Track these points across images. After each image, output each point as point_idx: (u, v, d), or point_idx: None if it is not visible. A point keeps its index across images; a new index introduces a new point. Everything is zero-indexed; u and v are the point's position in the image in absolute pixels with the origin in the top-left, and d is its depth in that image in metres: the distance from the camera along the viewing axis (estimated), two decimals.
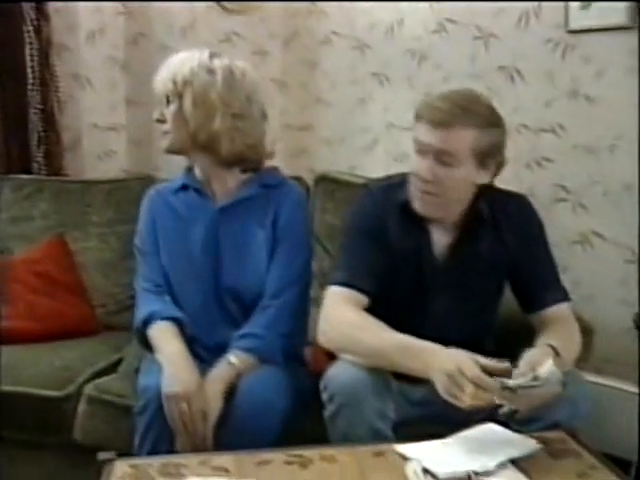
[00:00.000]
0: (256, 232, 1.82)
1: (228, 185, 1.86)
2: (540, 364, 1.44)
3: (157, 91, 1.82)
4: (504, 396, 1.40)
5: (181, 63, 1.79)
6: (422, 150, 1.61)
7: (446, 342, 1.53)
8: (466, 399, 1.36)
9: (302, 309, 1.87)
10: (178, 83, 1.77)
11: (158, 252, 1.87)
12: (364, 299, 1.64)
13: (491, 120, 1.61)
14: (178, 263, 1.85)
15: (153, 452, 1.61)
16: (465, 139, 1.58)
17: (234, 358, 1.69)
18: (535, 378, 1.40)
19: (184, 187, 1.90)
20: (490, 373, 1.40)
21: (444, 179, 1.60)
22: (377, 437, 1.51)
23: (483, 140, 1.59)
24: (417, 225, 1.70)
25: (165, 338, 1.75)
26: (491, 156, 1.62)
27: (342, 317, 1.60)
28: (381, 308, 1.63)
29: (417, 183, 1.64)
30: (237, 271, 1.81)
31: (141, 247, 1.91)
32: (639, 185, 2.22)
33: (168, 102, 1.80)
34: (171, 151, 1.85)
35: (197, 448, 1.60)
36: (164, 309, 1.79)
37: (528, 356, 1.49)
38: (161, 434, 1.61)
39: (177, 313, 1.79)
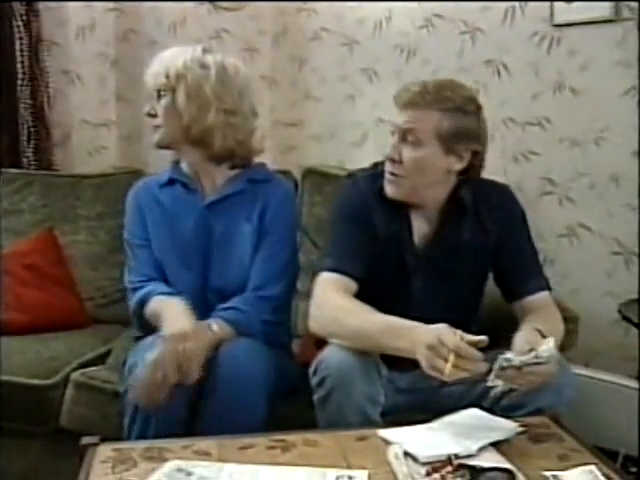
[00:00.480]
0: (243, 227, 1.82)
1: (216, 181, 1.86)
2: (538, 343, 1.45)
3: (148, 85, 1.82)
4: (506, 375, 1.40)
5: (174, 57, 1.79)
6: (393, 132, 1.67)
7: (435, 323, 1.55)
8: (447, 370, 1.36)
9: (286, 304, 1.87)
10: (171, 77, 1.77)
11: (148, 244, 1.85)
12: (353, 284, 1.66)
13: (459, 105, 1.63)
14: (166, 257, 1.84)
15: (142, 434, 1.59)
16: (428, 119, 1.62)
17: (215, 325, 1.69)
18: (537, 356, 1.41)
19: (171, 181, 1.89)
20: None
21: (408, 159, 1.64)
22: (366, 422, 1.52)
23: (445, 123, 1.62)
24: (399, 212, 1.72)
25: (166, 303, 1.74)
26: (458, 142, 1.64)
27: (331, 302, 1.61)
28: (368, 294, 1.64)
29: (387, 165, 1.68)
30: (223, 267, 1.81)
31: (131, 240, 1.88)
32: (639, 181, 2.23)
33: (159, 96, 1.79)
34: (162, 145, 1.85)
35: (154, 400, 1.56)
36: (159, 287, 1.79)
37: (522, 336, 1.51)
38: (150, 414, 1.59)
39: (173, 290, 1.78)
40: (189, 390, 1.61)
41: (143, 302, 1.78)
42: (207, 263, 1.81)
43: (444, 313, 1.70)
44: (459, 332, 1.42)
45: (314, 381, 1.55)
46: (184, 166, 1.89)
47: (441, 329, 1.42)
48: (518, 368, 1.40)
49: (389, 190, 1.70)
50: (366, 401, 1.52)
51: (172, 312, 1.70)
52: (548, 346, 1.43)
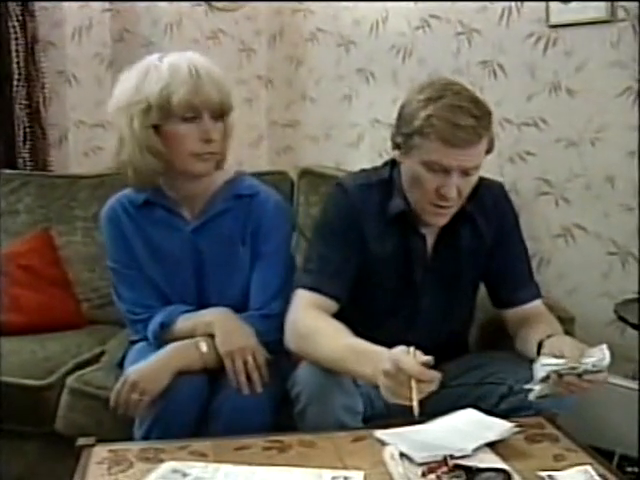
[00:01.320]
0: (239, 250, 1.74)
1: (207, 192, 1.73)
2: (587, 350, 1.40)
3: (203, 107, 1.61)
4: (559, 382, 1.37)
5: (219, 72, 1.66)
6: (443, 170, 1.52)
7: (436, 336, 1.54)
8: (415, 402, 1.29)
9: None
10: (231, 96, 1.66)
11: (140, 270, 1.73)
12: (332, 304, 1.60)
13: (490, 112, 1.56)
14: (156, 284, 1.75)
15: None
16: (484, 146, 1.54)
17: (204, 346, 1.63)
18: (595, 365, 1.37)
19: (147, 202, 1.73)
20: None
21: (467, 189, 1.57)
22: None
23: (492, 135, 1.57)
24: (405, 229, 1.65)
25: (198, 314, 1.68)
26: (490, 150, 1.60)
27: (303, 323, 1.56)
28: (365, 311, 1.63)
29: (435, 200, 1.56)
30: (223, 289, 1.74)
31: (120, 270, 1.75)
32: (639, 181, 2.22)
33: (213, 119, 1.63)
34: (209, 173, 1.69)
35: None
36: (176, 308, 1.71)
37: (568, 343, 1.45)
38: (171, 422, 1.55)
39: (189, 307, 1.71)
40: (201, 397, 1.60)
41: (165, 325, 1.68)
42: (202, 288, 1.74)
43: (444, 324, 1.71)
44: (412, 351, 1.35)
45: (292, 394, 1.54)
46: (166, 187, 1.72)
47: (398, 353, 1.34)
48: (579, 375, 1.37)
49: (438, 222, 1.61)
50: (344, 412, 1.49)
51: (219, 322, 1.63)
52: (605, 353, 1.39)
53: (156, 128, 1.63)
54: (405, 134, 1.55)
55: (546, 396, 1.43)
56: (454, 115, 1.48)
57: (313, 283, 1.60)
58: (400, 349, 1.35)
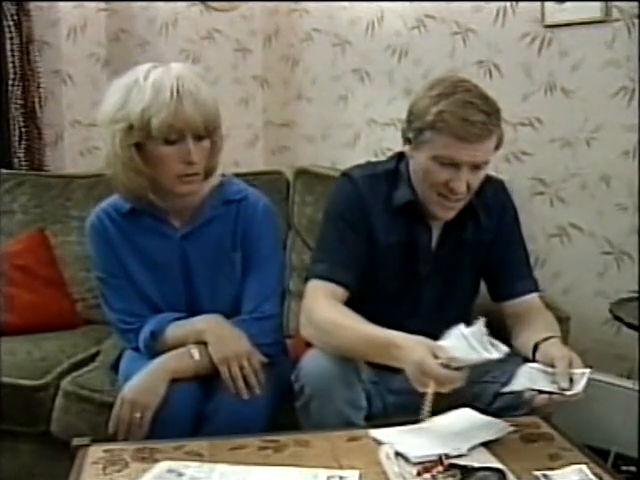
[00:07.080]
0: (229, 254, 1.73)
1: (195, 201, 1.71)
2: (574, 366, 1.42)
3: (186, 128, 1.57)
4: (536, 400, 1.40)
5: (201, 86, 1.61)
6: (453, 165, 1.55)
7: (435, 327, 1.54)
8: (427, 399, 1.37)
9: (280, 317, 1.83)
10: (218, 113, 1.63)
11: (127, 280, 1.71)
12: (344, 292, 1.62)
13: (499, 109, 1.58)
14: (146, 293, 1.73)
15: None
16: (494, 141, 1.57)
17: (196, 352, 1.62)
18: (574, 388, 1.38)
19: (133, 210, 1.71)
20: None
21: (476, 183, 1.59)
22: (349, 426, 1.50)
23: (501, 132, 1.59)
24: (411, 220, 1.67)
25: (189, 322, 1.66)
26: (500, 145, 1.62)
27: (320, 313, 1.57)
28: (368, 299, 1.63)
29: (444, 193, 1.58)
30: (213, 295, 1.73)
31: (107, 280, 1.72)
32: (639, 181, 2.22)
33: (197, 139, 1.60)
34: (195, 192, 1.67)
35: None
36: (167, 316, 1.69)
37: (562, 362, 1.44)
38: (165, 431, 1.53)
39: (179, 314, 1.70)
40: (195, 404, 1.59)
41: (155, 334, 1.67)
42: (193, 295, 1.73)
43: (443, 315, 1.69)
44: (437, 352, 1.38)
45: (296, 388, 1.55)
46: (154, 197, 1.69)
47: (423, 357, 1.37)
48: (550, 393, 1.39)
49: (447, 215, 1.63)
50: (347, 406, 1.51)
51: (212, 328, 1.63)
52: (584, 379, 1.40)
53: (138, 146, 1.60)
54: (417, 129, 1.58)
55: (515, 392, 1.47)
56: (465, 111, 1.51)
57: (326, 273, 1.62)
58: (424, 348, 1.39)
